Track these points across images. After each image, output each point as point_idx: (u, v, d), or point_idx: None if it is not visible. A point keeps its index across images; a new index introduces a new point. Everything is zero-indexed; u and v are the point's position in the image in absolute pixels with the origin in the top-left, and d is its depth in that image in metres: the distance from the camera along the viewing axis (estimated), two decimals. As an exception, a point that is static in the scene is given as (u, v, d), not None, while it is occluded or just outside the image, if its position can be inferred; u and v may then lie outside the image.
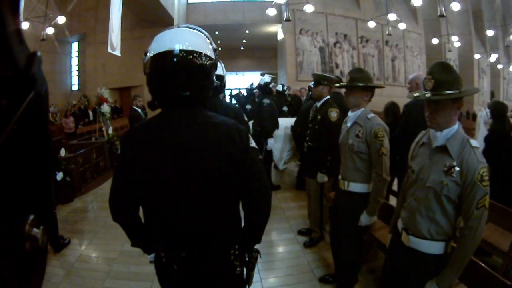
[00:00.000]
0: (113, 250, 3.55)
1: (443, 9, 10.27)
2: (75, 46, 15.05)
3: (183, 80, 1.22)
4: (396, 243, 1.83)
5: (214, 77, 1.34)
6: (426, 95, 1.57)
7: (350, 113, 2.50)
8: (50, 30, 10.70)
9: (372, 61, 15.73)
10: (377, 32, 15.35)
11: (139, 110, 5.98)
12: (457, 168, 1.53)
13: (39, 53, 0.81)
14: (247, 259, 1.46)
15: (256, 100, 6.49)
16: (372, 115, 2.39)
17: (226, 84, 2.85)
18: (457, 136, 1.58)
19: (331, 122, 3.29)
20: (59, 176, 4.58)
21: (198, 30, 1.33)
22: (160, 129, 1.28)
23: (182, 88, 1.24)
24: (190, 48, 1.22)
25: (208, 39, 1.33)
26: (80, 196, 5.39)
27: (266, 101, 5.08)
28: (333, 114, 3.30)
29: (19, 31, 0.76)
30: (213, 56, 1.29)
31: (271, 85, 5.35)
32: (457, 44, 16.21)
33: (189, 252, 1.30)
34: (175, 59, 1.20)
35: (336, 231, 2.69)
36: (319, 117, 3.43)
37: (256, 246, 1.46)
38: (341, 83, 2.87)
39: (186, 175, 1.24)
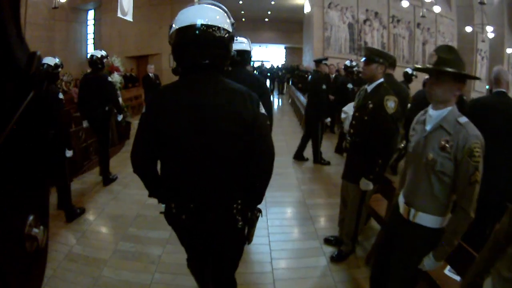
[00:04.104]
0: (104, 249, 3.02)
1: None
2: (91, 14, 14.44)
3: (203, 50, 1.40)
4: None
5: (232, 48, 1.50)
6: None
7: (431, 111, 1.74)
8: (63, -2, 10.21)
9: (403, 42, 14.98)
10: (409, 13, 14.61)
11: None
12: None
13: (38, 53, 0.81)
14: (249, 216, 1.62)
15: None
16: (465, 119, 1.64)
17: (252, 57, 3.04)
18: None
19: (387, 114, 2.50)
20: (120, 117, 4.72)
21: (218, 6, 1.50)
22: (181, 91, 1.46)
23: (202, 57, 1.41)
24: (210, 23, 1.39)
25: (227, 13, 1.50)
26: (81, 175, 4.89)
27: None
28: (391, 104, 2.50)
29: (19, 30, 0.77)
30: (230, 30, 1.46)
31: None
32: (490, 35, 15.14)
33: (197, 203, 1.48)
34: (196, 32, 1.38)
35: (382, 265, 2.02)
36: (370, 105, 2.62)
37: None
38: (424, 67, 1.84)
39: (202, 131, 1.41)
